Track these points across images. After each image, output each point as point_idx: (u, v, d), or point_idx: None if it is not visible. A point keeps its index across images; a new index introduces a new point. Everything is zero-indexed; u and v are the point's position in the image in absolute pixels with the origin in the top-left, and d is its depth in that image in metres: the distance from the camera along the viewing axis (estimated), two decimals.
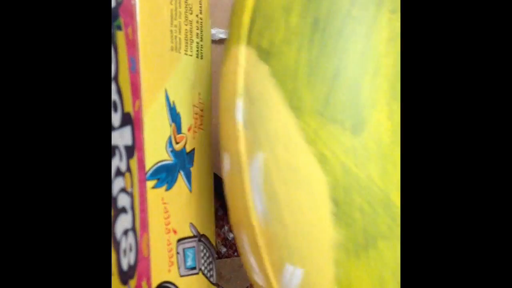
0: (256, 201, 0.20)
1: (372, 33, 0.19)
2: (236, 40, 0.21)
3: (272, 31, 0.20)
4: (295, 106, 0.19)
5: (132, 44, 0.26)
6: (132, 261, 0.26)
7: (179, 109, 0.27)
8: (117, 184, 0.27)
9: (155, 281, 0.26)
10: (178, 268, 0.27)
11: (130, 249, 0.26)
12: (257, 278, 0.21)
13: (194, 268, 0.28)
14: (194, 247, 0.28)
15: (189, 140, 0.28)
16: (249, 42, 0.20)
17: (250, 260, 0.21)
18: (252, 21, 0.20)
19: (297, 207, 0.19)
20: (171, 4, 0.27)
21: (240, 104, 0.20)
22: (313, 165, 0.19)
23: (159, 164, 0.26)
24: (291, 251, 0.19)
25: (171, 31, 0.27)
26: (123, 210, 0.26)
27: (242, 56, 0.20)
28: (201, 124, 0.28)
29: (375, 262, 0.19)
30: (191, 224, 0.28)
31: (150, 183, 0.26)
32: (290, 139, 0.19)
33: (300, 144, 0.19)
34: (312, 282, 0.19)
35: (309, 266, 0.19)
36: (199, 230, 0.28)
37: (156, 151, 0.26)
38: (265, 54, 0.20)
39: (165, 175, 0.26)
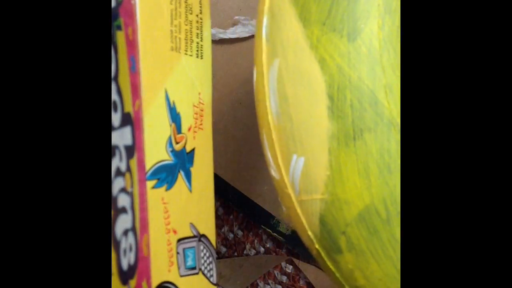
0: (272, 101, 0.24)
1: None
2: None
3: None
4: (304, 18, 0.23)
5: (132, 44, 0.26)
6: (132, 261, 0.26)
7: (179, 109, 0.27)
8: (117, 184, 0.27)
9: (155, 281, 0.26)
10: (178, 268, 0.27)
11: (130, 249, 0.26)
12: (273, 172, 0.24)
13: (194, 268, 0.28)
14: (194, 247, 0.28)
15: (189, 140, 0.28)
16: None
17: (268, 155, 0.25)
18: None
19: (301, 104, 0.23)
20: (171, 4, 0.27)
21: (265, 21, 0.24)
22: (314, 67, 0.22)
23: (159, 164, 0.26)
24: (296, 143, 0.23)
25: (171, 31, 0.27)
26: (123, 210, 0.26)
27: None
28: (201, 124, 0.28)
29: (361, 151, 0.22)
30: (191, 224, 0.28)
31: (150, 183, 0.26)
32: (298, 45, 0.23)
33: (305, 49, 0.22)
34: (311, 168, 0.23)
35: (309, 154, 0.23)
36: (199, 230, 0.28)
37: (156, 151, 0.26)
38: None
39: (165, 175, 0.26)
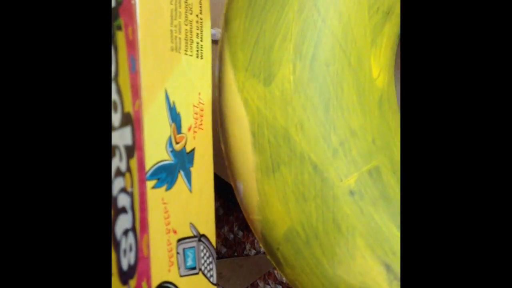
0: (220, 133, 0.28)
1: (285, 6, 0.25)
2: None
3: (230, 7, 0.27)
4: (234, 64, 0.26)
5: (132, 44, 0.26)
6: (132, 261, 0.26)
7: (179, 109, 0.27)
8: (117, 184, 0.27)
9: (155, 281, 0.26)
10: (178, 268, 0.27)
11: (130, 249, 0.26)
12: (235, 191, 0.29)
13: (194, 268, 0.28)
14: (194, 247, 0.28)
15: (189, 140, 0.28)
16: (224, 17, 0.28)
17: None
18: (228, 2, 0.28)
19: (234, 137, 0.26)
20: (171, 4, 0.27)
21: (217, 64, 0.28)
22: (240, 107, 0.26)
23: (159, 164, 0.26)
24: (236, 170, 0.27)
25: (171, 31, 0.27)
26: (123, 210, 0.26)
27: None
28: (201, 124, 0.28)
29: (279, 182, 0.25)
30: (191, 224, 0.28)
31: (150, 183, 0.26)
32: (230, 87, 0.26)
33: (235, 91, 0.26)
34: (247, 192, 0.26)
35: (244, 181, 0.26)
36: (199, 230, 0.28)
37: (156, 151, 0.26)
38: (225, 24, 0.27)
39: (165, 175, 0.26)
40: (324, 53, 0.25)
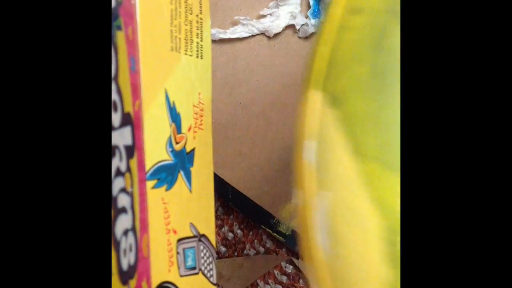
0: (321, 237, 0.21)
1: None
2: (313, 85, 0.22)
3: (344, 79, 0.21)
4: (358, 152, 0.20)
5: (132, 44, 0.26)
6: (132, 261, 0.26)
7: (179, 109, 0.27)
8: (117, 184, 0.27)
9: (155, 281, 0.26)
10: (178, 268, 0.27)
11: (130, 249, 0.26)
12: None
13: (194, 268, 0.28)
14: (194, 247, 0.28)
15: (189, 140, 0.28)
16: (324, 88, 0.21)
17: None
18: (328, 69, 0.21)
19: (355, 246, 0.20)
20: (171, 4, 0.27)
21: (311, 145, 0.22)
22: (369, 208, 0.20)
23: (159, 164, 0.26)
24: (350, 285, 0.20)
25: (171, 31, 0.27)
26: (123, 210, 0.26)
27: (317, 100, 0.22)
28: (201, 124, 0.28)
29: None
30: (191, 224, 0.28)
31: (150, 183, 0.26)
32: (351, 181, 0.20)
33: (359, 187, 0.20)
34: None
35: None
36: (199, 230, 0.28)
37: (156, 151, 0.26)
38: (336, 100, 0.21)
39: (165, 175, 0.26)
40: None
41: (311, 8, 0.34)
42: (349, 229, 0.20)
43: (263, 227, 0.35)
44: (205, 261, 0.28)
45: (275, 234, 0.35)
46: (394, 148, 0.19)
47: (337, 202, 0.20)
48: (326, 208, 0.21)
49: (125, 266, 0.26)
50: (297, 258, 0.37)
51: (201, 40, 0.29)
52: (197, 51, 0.28)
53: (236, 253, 0.37)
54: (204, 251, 0.28)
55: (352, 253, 0.20)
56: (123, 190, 0.26)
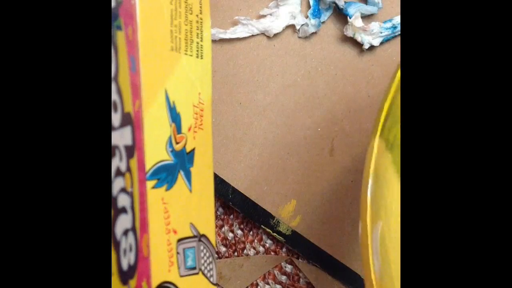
0: (375, 260, 0.24)
1: None
2: (374, 132, 0.26)
3: (397, 127, 0.25)
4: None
5: (132, 44, 0.26)
6: (132, 261, 0.26)
7: (179, 109, 0.27)
8: (117, 184, 0.27)
9: (155, 281, 0.26)
10: (178, 268, 0.27)
11: (130, 249, 0.26)
12: None
13: (194, 268, 0.28)
14: (194, 247, 0.28)
15: (189, 140, 0.28)
16: (381, 135, 0.25)
17: None
18: (386, 119, 0.25)
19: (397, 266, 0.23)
20: (171, 4, 0.27)
21: (370, 182, 0.25)
22: None
23: (159, 164, 0.26)
24: None
25: (171, 31, 0.27)
26: (123, 210, 0.26)
27: (376, 145, 0.25)
28: (201, 124, 0.28)
29: None
30: (191, 224, 0.28)
31: (150, 183, 0.26)
32: (398, 212, 0.24)
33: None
34: None
35: None
36: (199, 230, 0.28)
37: (156, 151, 0.26)
38: (390, 145, 0.25)
39: (165, 175, 0.26)
40: None
41: (311, 8, 0.34)
42: (398, 254, 0.24)
43: (263, 227, 0.35)
44: (205, 261, 0.28)
45: (275, 234, 0.35)
46: None
47: (388, 230, 0.24)
48: (378, 235, 0.24)
49: (125, 266, 0.26)
50: (298, 258, 0.37)
51: (201, 40, 0.29)
52: (197, 51, 0.28)
53: (236, 253, 0.37)
54: (204, 251, 0.28)
55: (398, 273, 0.23)
56: (123, 190, 0.26)
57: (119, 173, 0.26)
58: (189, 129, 0.28)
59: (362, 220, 0.25)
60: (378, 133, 0.26)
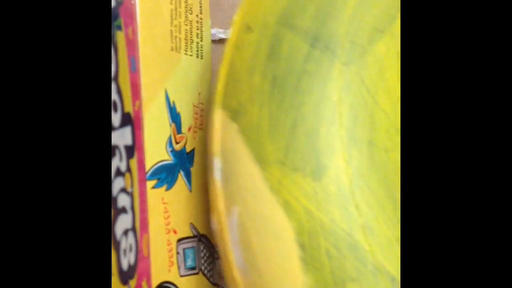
0: (235, 254, 0.21)
1: (326, 85, 0.20)
2: (214, 105, 0.23)
3: (239, 92, 0.22)
4: (260, 159, 0.20)
5: (132, 44, 0.26)
6: (132, 261, 0.26)
7: (179, 109, 0.27)
8: (117, 184, 0.27)
9: (155, 281, 0.26)
10: (178, 268, 0.27)
11: (130, 249, 0.26)
12: None
13: (194, 268, 0.28)
14: (194, 247, 0.28)
15: (189, 140, 0.28)
16: (223, 105, 0.22)
17: None
18: (225, 86, 0.22)
19: (269, 255, 0.20)
20: (171, 4, 0.27)
21: (217, 163, 0.22)
22: (278, 212, 0.20)
23: (159, 164, 0.26)
24: None
25: (171, 31, 0.27)
26: (123, 210, 0.26)
27: (217, 118, 0.22)
28: (201, 124, 0.28)
29: None
30: (191, 224, 0.28)
31: (150, 183, 0.26)
32: (257, 190, 0.20)
33: (265, 193, 0.20)
34: None
35: None
36: (199, 230, 0.28)
37: (156, 151, 0.26)
38: (234, 113, 0.21)
39: (165, 175, 0.26)
40: (381, 137, 0.20)
41: None
42: (261, 238, 0.20)
43: None
44: (205, 261, 0.28)
45: None
46: (295, 148, 0.20)
47: (247, 213, 0.20)
48: (235, 223, 0.21)
49: (125, 266, 0.26)
50: None
51: (201, 40, 0.29)
52: (197, 51, 0.28)
53: None
54: (204, 251, 0.28)
55: (268, 264, 0.20)
56: (123, 190, 0.26)
57: (119, 173, 0.26)
58: (189, 129, 0.28)
59: (214, 211, 0.22)
60: (220, 104, 0.22)
